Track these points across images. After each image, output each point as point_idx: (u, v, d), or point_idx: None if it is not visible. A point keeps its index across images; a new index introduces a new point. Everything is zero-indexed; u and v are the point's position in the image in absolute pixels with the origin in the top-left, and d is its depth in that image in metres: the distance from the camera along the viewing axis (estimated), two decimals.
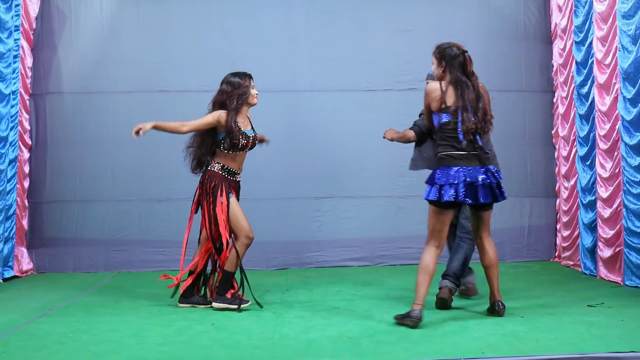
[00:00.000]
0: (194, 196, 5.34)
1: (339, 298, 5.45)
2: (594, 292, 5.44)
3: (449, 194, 4.46)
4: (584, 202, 6.45)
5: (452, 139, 4.55)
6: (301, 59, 7.29)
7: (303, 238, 7.18)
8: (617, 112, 5.77)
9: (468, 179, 4.49)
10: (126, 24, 7.21)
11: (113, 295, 5.75)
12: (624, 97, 5.62)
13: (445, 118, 4.57)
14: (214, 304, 5.09)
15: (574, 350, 3.83)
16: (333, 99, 7.21)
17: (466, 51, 4.66)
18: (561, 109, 7.10)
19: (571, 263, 6.77)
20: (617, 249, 5.86)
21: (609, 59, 5.90)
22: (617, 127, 5.79)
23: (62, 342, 4.23)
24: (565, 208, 7.06)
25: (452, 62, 4.61)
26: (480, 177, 4.52)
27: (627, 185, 5.63)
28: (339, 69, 7.28)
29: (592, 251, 6.27)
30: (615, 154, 5.85)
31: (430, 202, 4.57)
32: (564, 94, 6.99)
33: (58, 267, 7.04)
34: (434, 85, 4.64)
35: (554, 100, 7.34)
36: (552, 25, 7.32)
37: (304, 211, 7.19)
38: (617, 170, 5.84)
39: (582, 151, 6.50)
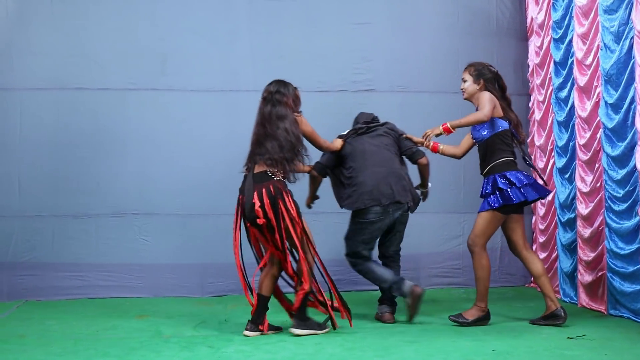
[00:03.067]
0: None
1: (285, 329, 5.41)
2: (575, 322, 5.52)
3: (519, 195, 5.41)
4: (563, 221, 6.56)
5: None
6: (243, 54, 7.27)
7: (245, 260, 7.11)
8: (598, 118, 5.90)
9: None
10: (37, 9, 7.06)
11: (18, 329, 5.62)
12: (606, 102, 5.75)
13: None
14: (297, 331, 5.24)
15: None
16: None
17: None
18: (537, 115, 7.22)
19: None
20: (600, 274, 5.97)
21: (590, 59, 6.02)
22: (598, 135, 5.91)
23: None
24: (542, 227, 7.17)
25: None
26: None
27: (609, 202, 5.75)
28: (286, 66, 7.24)
29: (572, 276, 6.38)
30: (597, 166, 5.97)
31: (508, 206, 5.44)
32: (541, 98, 7.12)
33: None
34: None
35: (530, 104, 7.47)
36: (528, 20, 7.46)
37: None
38: (598, 185, 5.96)
39: (561, 163, 6.62)
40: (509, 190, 5.38)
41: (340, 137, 5.93)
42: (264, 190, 5.23)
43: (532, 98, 7.42)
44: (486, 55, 7.42)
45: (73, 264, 6.98)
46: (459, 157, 5.97)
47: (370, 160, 5.74)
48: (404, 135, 5.93)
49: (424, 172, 5.96)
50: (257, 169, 5.35)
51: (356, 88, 7.33)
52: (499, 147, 5.50)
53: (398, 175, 5.76)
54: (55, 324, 5.80)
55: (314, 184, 5.98)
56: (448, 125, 5.43)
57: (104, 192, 7.08)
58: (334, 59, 7.36)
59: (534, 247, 7.42)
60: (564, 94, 6.53)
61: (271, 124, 5.38)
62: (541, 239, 7.17)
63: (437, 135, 5.49)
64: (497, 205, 5.40)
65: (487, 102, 5.42)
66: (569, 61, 6.39)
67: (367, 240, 5.78)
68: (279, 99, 5.43)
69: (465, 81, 5.64)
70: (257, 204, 5.19)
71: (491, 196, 5.43)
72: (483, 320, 5.52)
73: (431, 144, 5.85)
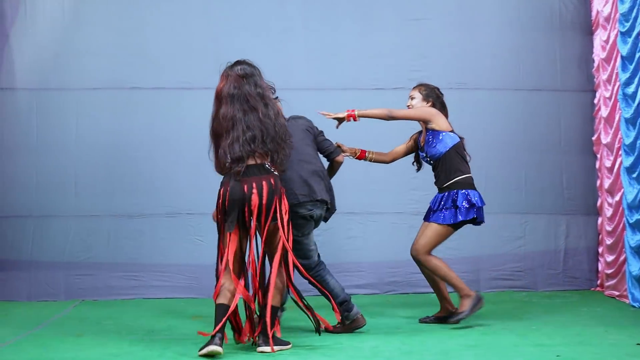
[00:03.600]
0: None
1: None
2: None
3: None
4: (631, 222, 6.40)
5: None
6: (297, 52, 7.30)
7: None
8: None
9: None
10: (93, 9, 7.20)
11: (75, 328, 5.69)
12: None
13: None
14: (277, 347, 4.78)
15: None
16: (334, 98, 7.16)
17: None
18: (604, 112, 7.09)
19: (616, 293, 6.72)
20: None
21: None
22: None
23: None
24: (608, 228, 7.02)
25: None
26: None
27: None
28: (341, 64, 7.29)
29: None
30: None
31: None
32: (607, 94, 6.99)
33: (9, 295, 6.97)
34: None
35: (595, 101, 7.34)
36: (593, 13, 7.33)
37: None
38: None
39: (628, 161, 6.46)
40: (466, 210, 5.52)
41: None
42: (264, 182, 4.76)
43: (597, 94, 7.28)
44: (548, 51, 7.36)
45: (128, 264, 7.09)
46: (387, 162, 5.98)
47: (296, 155, 5.34)
48: (337, 143, 5.69)
49: (336, 169, 5.68)
50: (249, 161, 4.79)
51: (412, 86, 7.19)
52: (458, 161, 5.63)
53: (322, 175, 5.50)
54: (111, 324, 5.87)
55: None
56: (355, 113, 5.52)
57: (159, 192, 7.16)
58: (389, 56, 7.32)
59: (599, 250, 7.29)
60: (631, 89, 6.37)
61: (258, 109, 4.79)
62: (608, 242, 7.01)
63: (338, 118, 5.53)
64: (452, 221, 5.54)
65: (421, 110, 5.65)
66: (637, 55, 6.24)
67: (307, 233, 5.42)
68: (259, 82, 4.89)
69: (413, 98, 5.80)
70: (256, 197, 4.71)
71: (448, 210, 5.55)
72: (478, 302, 5.54)
73: (358, 152, 5.79)
